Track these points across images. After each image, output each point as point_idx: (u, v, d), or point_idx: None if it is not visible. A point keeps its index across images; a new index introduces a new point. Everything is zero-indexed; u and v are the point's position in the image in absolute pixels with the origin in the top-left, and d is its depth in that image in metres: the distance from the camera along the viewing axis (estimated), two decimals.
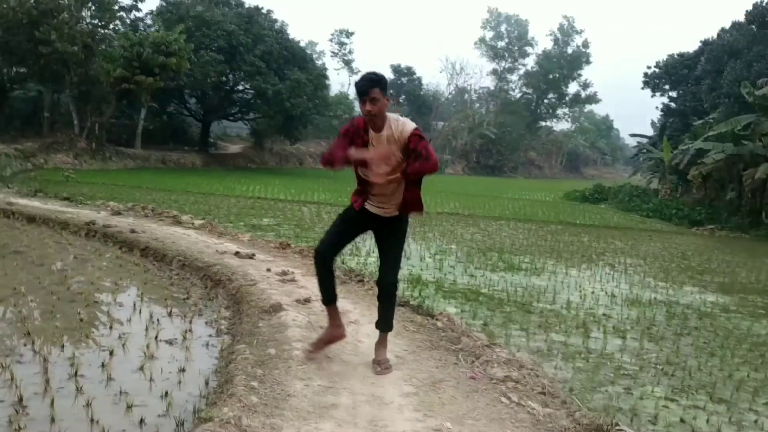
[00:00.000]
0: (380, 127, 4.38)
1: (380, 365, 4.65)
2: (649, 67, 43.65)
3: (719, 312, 9.05)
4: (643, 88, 44.25)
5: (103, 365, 4.78)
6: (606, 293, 9.68)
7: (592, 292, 9.64)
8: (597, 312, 8.34)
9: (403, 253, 4.99)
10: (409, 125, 4.38)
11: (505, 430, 3.75)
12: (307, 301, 6.40)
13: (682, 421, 4.83)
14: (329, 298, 4.78)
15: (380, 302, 4.79)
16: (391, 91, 79.41)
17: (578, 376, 5.62)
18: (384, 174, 4.32)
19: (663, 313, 8.63)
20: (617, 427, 3.64)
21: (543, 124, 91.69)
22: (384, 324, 4.76)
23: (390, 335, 5.40)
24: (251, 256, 8.86)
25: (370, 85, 4.31)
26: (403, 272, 9.80)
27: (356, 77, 4.63)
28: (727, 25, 36.95)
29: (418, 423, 3.75)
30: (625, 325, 7.76)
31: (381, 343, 4.78)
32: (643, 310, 8.65)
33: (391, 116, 4.42)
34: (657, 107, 44.42)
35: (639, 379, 5.74)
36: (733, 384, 5.77)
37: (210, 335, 5.85)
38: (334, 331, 4.80)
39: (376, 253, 11.18)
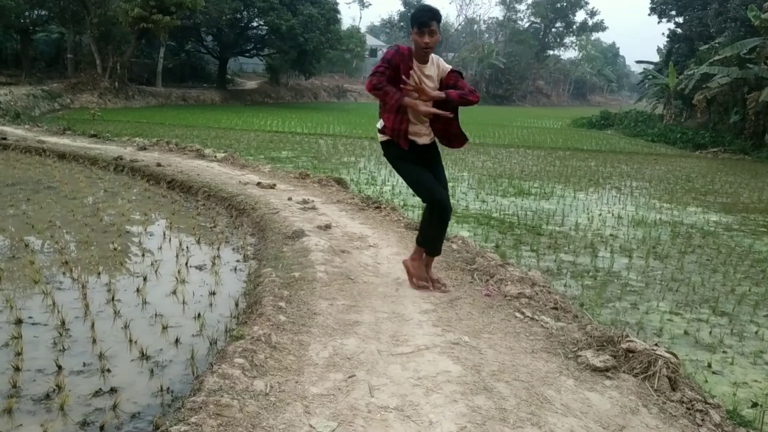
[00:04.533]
0: (426, 60, 4.42)
1: (443, 284, 4.87)
2: None
3: (722, 231, 9.24)
4: (650, 14, 43.44)
5: (138, 290, 5.04)
6: (612, 215, 9.87)
7: (599, 214, 9.83)
8: (604, 233, 8.54)
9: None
10: (446, 64, 4.53)
11: (520, 342, 3.92)
12: (327, 227, 6.59)
13: (686, 333, 5.06)
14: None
15: (435, 228, 4.77)
16: (401, 22, 78.22)
17: (587, 293, 5.85)
18: (430, 111, 4.37)
19: (668, 232, 8.83)
20: (627, 339, 3.75)
21: (550, 52, 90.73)
22: (438, 249, 4.88)
23: (408, 257, 5.60)
24: (272, 186, 9.10)
25: (431, 16, 4.28)
26: (417, 199, 10.00)
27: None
28: None
29: (437, 337, 3.91)
30: (631, 244, 7.96)
31: (431, 265, 4.95)
32: (649, 230, 8.84)
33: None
34: (663, 33, 43.70)
35: (645, 294, 5.97)
36: (735, 298, 6.01)
37: (237, 260, 6.12)
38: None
39: (391, 182, 11.44)
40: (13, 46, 37.29)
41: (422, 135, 4.65)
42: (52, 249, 6.18)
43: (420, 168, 4.67)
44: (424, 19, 4.25)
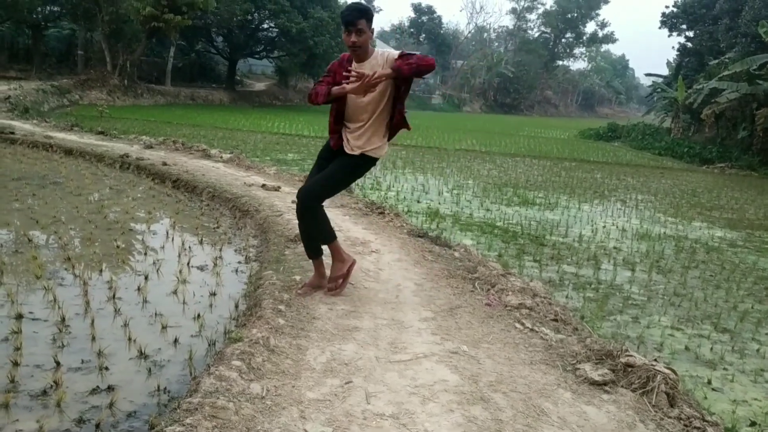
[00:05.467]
0: (363, 59, 4.25)
1: (333, 285, 4.67)
2: (667, 7, 42.92)
3: (726, 247, 9.21)
4: (660, 28, 43.53)
5: (138, 289, 5.05)
6: (617, 227, 9.85)
7: (604, 227, 9.82)
8: (608, 245, 8.52)
9: (340, 187, 4.76)
10: (394, 52, 4.28)
11: (519, 353, 3.90)
12: None
13: (686, 348, 5.03)
14: (316, 251, 4.68)
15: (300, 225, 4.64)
16: (411, 29, 78.44)
17: (588, 305, 5.83)
18: (363, 89, 4.12)
19: (672, 247, 8.80)
20: (626, 353, 3.73)
21: (560, 63, 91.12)
22: (320, 240, 4.66)
23: (409, 264, 5.59)
24: (277, 189, 9.14)
25: (358, 15, 4.11)
26: (421, 206, 10.02)
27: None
28: None
29: (436, 346, 3.90)
30: (634, 258, 7.94)
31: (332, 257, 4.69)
32: (653, 244, 8.82)
33: (378, 49, 4.34)
34: (673, 47, 43.81)
35: (646, 308, 5.94)
36: (738, 315, 5.98)
37: (239, 262, 6.13)
38: (320, 281, 4.75)
39: (396, 188, 11.44)
40: (25, 41, 37.56)
41: (351, 144, 4.45)
42: (56, 245, 6.19)
43: (317, 169, 4.61)
44: (351, 18, 4.10)
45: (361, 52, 4.21)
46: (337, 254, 4.66)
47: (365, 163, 4.56)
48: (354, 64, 4.29)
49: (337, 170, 4.49)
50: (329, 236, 4.62)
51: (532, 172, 16.96)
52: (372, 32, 4.25)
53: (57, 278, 5.19)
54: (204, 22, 37.82)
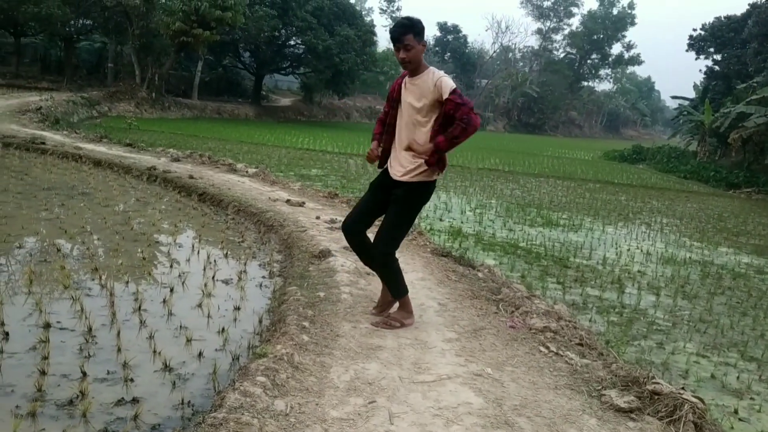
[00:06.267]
0: (416, 73, 4.25)
1: (383, 320, 4.56)
2: (694, 30, 42.82)
3: (753, 273, 9.09)
4: (687, 51, 43.39)
5: (164, 301, 5.08)
6: (641, 251, 9.76)
7: (628, 250, 9.73)
8: (632, 269, 8.44)
9: (406, 227, 4.54)
10: (446, 85, 4.12)
11: (544, 377, 3.88)
12: None
13: (712, 376, 4.96)
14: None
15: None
16: (436, 47, 78.78)
17: (612, 330, 5.77)
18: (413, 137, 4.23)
19: (697, 272, 8.70)
20: (653, 380, 3.69)
21: (585, 84, 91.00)
22: (390, 291, 4.59)
23: (433, 284, 5.57)
24: (301, 204, 9.19)
25: (403, 31, 4.10)
26: (443, 224, 10.01)
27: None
28: None
29: (460, 367, 3.89)
30: (659, 282, 7.86)
31: (398, 306, 4.64)
32: (678, 269, 8.72)
33: (431, 67, 4.27)
34: (700, 70, 43.68)
35: (671, 334, 5.87)
36: (765, 343, 5.88)
37: (263, 277, 6.15)
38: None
39: None
40: (57, 54, 38.44)
41: (395, 166, 4.43)
42: (83, 254, 6.26)
43: (369, 196, 4.61)
44: (396, 35, 4.13)
45: (413, 67, 4.22)
46: (406, 306, 4.61)
47: (419, 192, 4.41)
48: (407, 79, 4.32)
49: (397, 211, 4.40)
50: (401, 290, 4.55)
51: (556, 193, 16.90)
52: (423, 46, 4.21)
53: (84, 288, 5.24)
54: (232, 37, 38.40)
